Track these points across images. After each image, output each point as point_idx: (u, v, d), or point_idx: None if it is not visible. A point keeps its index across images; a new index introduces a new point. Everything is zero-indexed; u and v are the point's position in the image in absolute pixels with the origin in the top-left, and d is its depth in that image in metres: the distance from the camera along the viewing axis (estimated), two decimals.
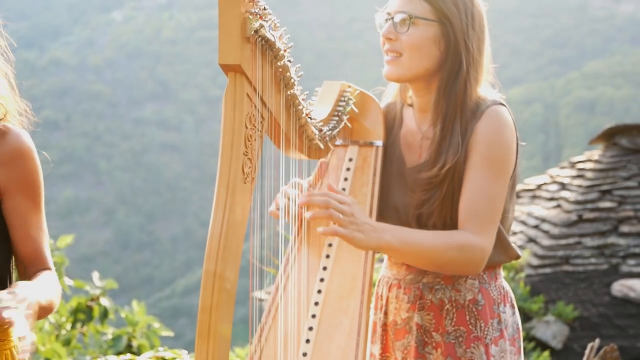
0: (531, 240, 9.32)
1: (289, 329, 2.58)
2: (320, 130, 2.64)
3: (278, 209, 2.71)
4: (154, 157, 61.80)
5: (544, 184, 10.29)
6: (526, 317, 8.18)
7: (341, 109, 2.77)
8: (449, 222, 2.70)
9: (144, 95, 68.50)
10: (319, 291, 2.70)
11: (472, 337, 2.75)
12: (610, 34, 68.83)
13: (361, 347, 2.58)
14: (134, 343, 5.65)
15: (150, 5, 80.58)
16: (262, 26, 2.24)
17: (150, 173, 60.09)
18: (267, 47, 2.31)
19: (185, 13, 75.14)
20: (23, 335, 2.02)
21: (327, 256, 2.76)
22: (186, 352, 3.99)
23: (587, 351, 4.72)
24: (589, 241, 8.93)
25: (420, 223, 2.74)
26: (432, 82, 2.74)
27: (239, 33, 2.21)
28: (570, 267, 8.78)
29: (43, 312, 2.28)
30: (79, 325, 5.65)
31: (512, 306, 2.86)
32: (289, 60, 2.40)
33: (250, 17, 2.22)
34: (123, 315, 5.81)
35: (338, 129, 2.74)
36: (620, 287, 8.42)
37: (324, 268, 2.74)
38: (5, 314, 2.03)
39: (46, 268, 2.46)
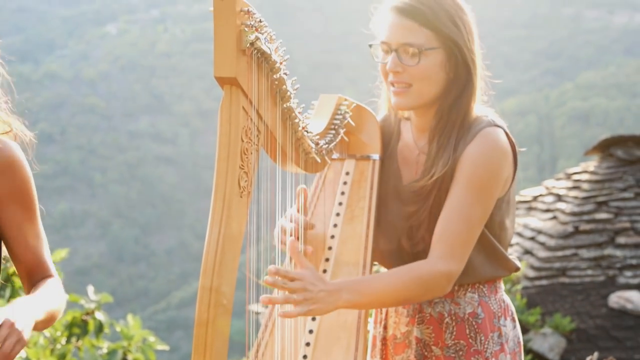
0: (527, 252, 9.30)
1: (286, 345, 2.56)
2: (317, 144, 2.62)
3: (282, 242, 2.71)
4: (148, 170, 61.75)
5: (540, 195, 10.27)
6: (523, 329, 8.15)
7: (338, 122, 2.75)
8: None
9: (138, 108, 68.47)
10: None
11: (472, 350, 2.73)
12: (604, 45, 68.99)
13: None
14: (130, 357, 5.63)
15: (144, 19, 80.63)
16: (257, 38, 2.23)
17: (145, 186, 60.03)
18: (263, 60, 2.29)
19: (180, 26, 75.20)
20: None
21: (324, 271, 2.74)
22: None
23: None
24: (585, 253, 8.92)
25: (411, 236, 2.72)
26: (434, 103, 2.72)
27: (234, 45, 2.19)
28: (567, 278, 8.76)
29: (44, 324, 2.27)
30: (74, 339, 5.62)
31: (513, 320, 2.83)
32: (285, 73, 2.38)
33: (246, 29, 2.21)
34: (118, 329, 5.78)
35: (335, 143, 2.72)
36: (617, 299, 8.41)
37: None
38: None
39: (48, 275, 2.45)
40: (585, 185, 9.62)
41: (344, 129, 2.78)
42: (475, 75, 2.69)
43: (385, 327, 2.85)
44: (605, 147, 9.93)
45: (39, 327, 2.25)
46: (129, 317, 5.90)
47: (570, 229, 9.17)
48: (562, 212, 9.46)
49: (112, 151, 63.20)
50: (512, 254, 9.32)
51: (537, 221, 9.65)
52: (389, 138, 2.89)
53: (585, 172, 9.93)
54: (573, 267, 8.84)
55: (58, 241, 49.25)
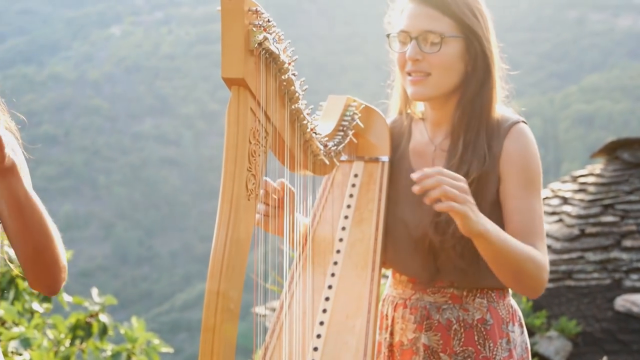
0: None
1: (293, 349, 2.53)
2: (326, 146, 2.58)
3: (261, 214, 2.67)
4: (152, 172, 61.76)
5: (546, 198, 10.24)
6: (529, 332, 8.12)
7: (346, 123, 2.71)
8: None
9: (142, 110, 68.50)
10: (324, 310, 2.64)
11: (481, 357, 2.69)
12: (609, 48, 68.92)
13: None
14: (134, 359, 5.61)
15: (148, 20, 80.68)
16: (266, 39, 2.19)
17: (149, 187, 60.03)
18: (271, 60, 2.26)
19: (184, 28, 75.22)
20: None
21: (333, 274, 2.70)
22: None
23: None
24: (591, 256, 8.88)
25: (439, 231, 2.67)
26: (452, 95, 2.70)
27: (242, 46, 2.16)
28: (572, 282, 8.73)
29: (26, 199, 2.20)
30: (77, 341, 5.59)
31: (521, 325, 2.80)
32: (294, 74, 2.34)
33: (254, 29, 2.17)
34: (122, 331, 5.77)
35: (343, 144, 2.69)
36: (623, 302, 8.37)
37: (329, 287, 2.68)
38: None
39: None
40: (591, 188, 9.59)
41: (353, 131, 2.74)
42: (493, 67, 2.68)
43: (391, 334, 2.81)
44: (611, 150, 9.90)
45: (20, 193, 2.18)
46: (133, 320, 5.88)
47: (576, 231, 9.13)
48: (568, 215, 9.43)
49: (116, 153, 63.23)
50: None
51: None
52: (399, 140, 2.86)
53: (592, 174, 9.90)
54: (579, 270, 8.80)
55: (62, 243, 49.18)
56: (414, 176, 2.36)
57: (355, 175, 2.85)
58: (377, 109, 2.86)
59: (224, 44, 2.17)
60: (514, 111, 2.76)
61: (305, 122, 2.44)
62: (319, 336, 2.58)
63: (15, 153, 2.22)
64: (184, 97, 68.16)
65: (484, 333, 2.70)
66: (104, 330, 5.62)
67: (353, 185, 2.83)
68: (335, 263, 2.72)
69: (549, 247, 9.14)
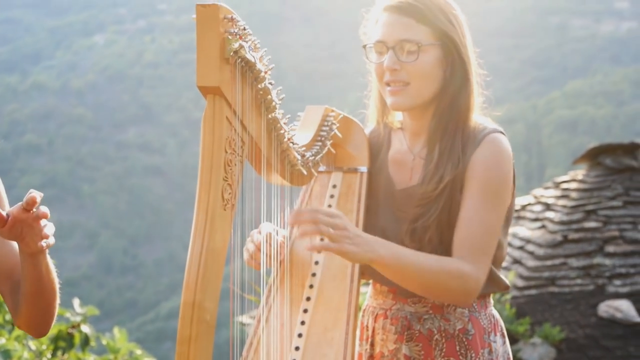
0: (516, 261, 9.26)
1: None
2: (303, 156, 2.55)
3: (250, 256, 2.64)
4: (137, 181, 61.65)
5: (529, 204, 10.24)
6: (512, 339, 8.11)
7: (324, 134, 2.68)
8: (446, 236, 2.61)
9: (126, 119, 68.40)
10: (302, 322, 2.61)
11: None
12: (591, 54, 69.24)
13: None
14: None
15: (132, 29, 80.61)
16: (241, 47, 2.17)
17: (134, 196, 59.92)
18: (247, 69, 2.23)
19: (167, 36, 75.18)
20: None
21: (311, 286, 2.67)
22: None
23: None
24: (574, 262, 8.87)
25: (415, 238, 2.64)
26: (430, 104, 2.68)
27: (217, 54, 2.13)
28: (556, 288, 8.72)
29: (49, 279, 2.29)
30: (59, 353, 5.56)
31: (503, 335, 2.77)
32: (270, 83, 2.32)
33: (230, 37, 2.15)
34: (105, 342, 5.74)
35: (321, 155, 2.66)
36: (606, 308, 8.37)
37: (308, 299, 2.65)
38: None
39: None
40: (573, 194, 9.59)
41: (331, 141, 2.72)
42: (471, 72, 2.66)
43: (372, 345, 2.78)
44: (593, 156, 9.90)
45: (44, 269, 2.30)
46: (115, 330, 5.86)
47: (559, 238, 9.13)
48: (551, 221, 9.42)
49: (100, 162, 63.10)
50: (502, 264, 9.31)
51: (525, 230, 9.61)
52: (378, 150, 2.84)
53: (574, 180, 9.90)
54: (562, 276, 8.79)
55: None
56: (289, 219, 2.32)
57: (334, 186, 2.82)
58: (355, 119, 2.84)
59: (199, 52, 2.14)
60: (492, 121, 2.73)
61: (282, 131, 2.41)
62: (297, 348, 2.55)
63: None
64: (168, 105, 68.11)
65: (466, 343, 2.67)
66: (85, 341, 5.59)
67: (331, 196, 2.80)
68: (314, 275, 2.69)
69: (532, 253, 9.13)
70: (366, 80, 2.83)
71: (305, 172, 2.59)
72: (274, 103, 2.34)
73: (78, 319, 5.62)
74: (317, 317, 2.62)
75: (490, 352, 2.69)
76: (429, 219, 2.62)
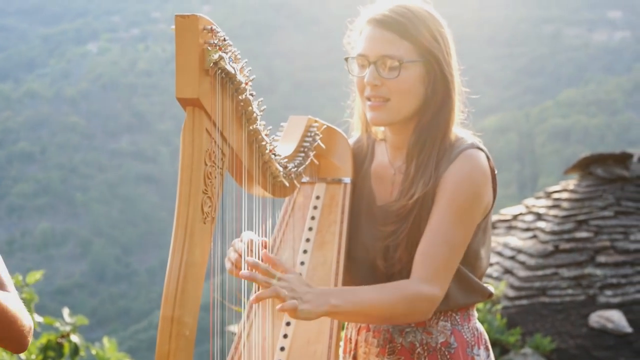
0: (507, 271, 9.24)
1: None
2: (285, 167, 2.53)
3: (232, 264, 2.61)
4: (130, 189, 61.57)
5: (520, 214, 10.22)
6: (503, 349, 8.09)
7: (307, 144, 2.66)
8: (415, 253, 2.57)
9: (119, 127, 68.35)
10: (285, 336, 2.58)
11: None
12: (584, 63, 69.38)
13: None
14: None
15: (125, 37, 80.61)
16: (221, 58, 2.15)
17: (127, 204, 59.83)
18: (228, 80, 2.21)
19: (160, 45, 75.16)
20: None
21: None
22: None
23: None
24: (565, 272, 8.85)
25: (387, 257, 2.62)
26: (411, 119, 2.64)
27: (197, 65, 2.11)
28: (547, 298, 8.70)
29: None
30: None
31: (487, 348, 2.74)
32: (252, 94, 2.30)
33: (209, 48, 2.13)
34: (94, 352, 5.71)
35: (304, 166, 2.64)
36: (597, 318, 8.35)
37: None
38: None
39: (5, 291, 2.33)
40: (565, 204, 9.57)
41: (314, 152, 2.69)
42: (453, 91, 2.61)
43: (354, 358, 2.75)
44: (584, 166, 9.89)
45: None
46: (105, 340, 5.83)
47: (550, 248, 9.11)
48: (542, 231, 9.40)
49: (93, 170, 63.02)
50: (492, 273, 9.28)
51: (517, 240, 9.59)
52: (362, 160, 2.81)
53: (565, 190, 9.88)
54: (553, 286, 8.77)
55: (38, 260, 49.00)
56: (242, 274, 2.28)
57: (317, 197, 2.80)
58: (339, 129, 2.82)
59: (178, 63, 2.13)
60: (472, 134, 2.70)
61: (263, 143, 2.39)
62: None
63: None
64: (161, 113, 68.07)
65: (448, 356, 2.64)
66: (75, 350, 5.57)
67: (315, 208, 2.78)
68: None
69: (523, 263, 9.11)
70: (351, 90, 2.80)
71: (287, 184, 2.57)
72: (255, 114, 2.32)
73: (67, 328, 5.60)
74: (299, 330, 2.60)
75: None
76: (398, 236, 2.59)
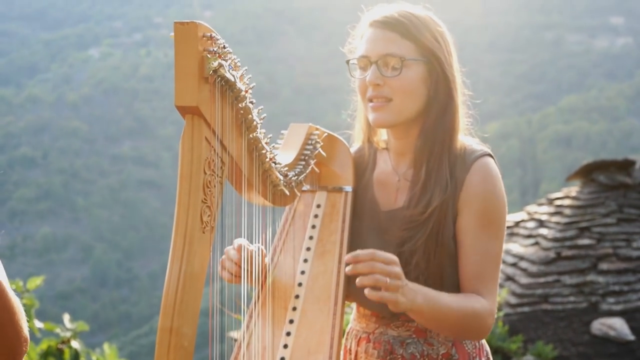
0: (509, 278, 9.22)
1: None
2: (286, 176, 2.50)
3: (232, 274, 2.58)
4: (131, 194, 61.59)
5: (522, 221, 10.20)
6: (505, 357, 8.07)
7: (308, 152, 2.63)
8: (433, 260, 2.56)
9: (121, 132, 68.40)
10: (285, 346, 2.55)
11: None
12: (586, 69, 69.42)
13: None
14: None
15: (127, 42, 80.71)
16: (221, 65, 2.12)
17: (128, 209, 59.85)
18: (227, 88, 2.18)
19: (162, 50, 75.22)
20: None
21: (294, 308, 2.61)
22: None
23: None
24: (567, 279, 8.83)
25: (401, 262, 2.59)
26: (414, 123, 2.63)
27: (196, 73, 2.08)
28: (549, 305, 8.67)
29: None
30: None
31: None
32: (251, 102, 2.27)
33: (209, 56, 2.10)
34: (94, 357, 5.71)
35: (305, 174, 2.61)
36: (600, 326, 8.32)
37: (291, 321, 2.59)
38: None
39: None
40: (567, 211, 9.55)
41: (315, 160, 2.66)
42: (455, 92, 2.60)
43: None
44: (587, 172, 9.87)
45: None
46: (105, 346, 5.82)
47: (552, 255, 9.09)
48: (544, 237, 9.38)
49: (95, 175, 63.06)
50: None
51: (519, 247, 9.56)
52: (363, 169, 2.79)
53: (567, 197, 9.86)
54: (555, 293, 8.75)
55: (40, 265, 49.03)
56: (347, 259, 2.28)
57: (318, 206, 2.77)
58: (340, 137, 2.79)
59: (177, 70, 2.10)
60: (479, 142, 2.68)
61: (263, 151, 2.36)
62: None
63: None
64: (163, 118, 68.12)
65: None
66: (75, 356, 5.57)
67: (315, 216, 2.75)
68: (297, 296, 2.64)
69: (525, 270, 9.09)
70: (352, 99, 2.78)
71: (287, 193, 2.54)
72: (255, 122, 2.30)
73: (68, 334, 5.59)
74: (300, 339, 2.57)
75: None
76: (415, 243, 2.57)
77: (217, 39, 2.12)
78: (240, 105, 2.23)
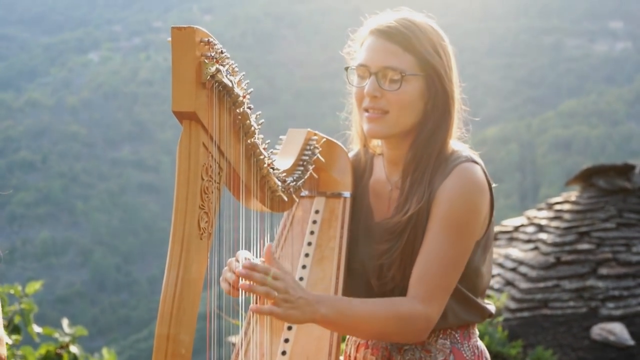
0: (509, 283, 9.20)
1: None
2: (284, 181, 2.48)
3: (230, 285, 2.56)
4: (131, 198, 61.57)
5: (521, 225, 10.17)
6: None
7: (307, 158, 2.61)
8: (409, 272, 2.50)
9: (120, 136, 68.40)
10: (284, 353, 2.53)
11: None
12: (585, 73, 69.44)
13: None
14: None
15: (126, 46, 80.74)
16: (218, 71, 2.11)
17: (127, 214, 59.82)
18: (225, 93, 2.17)
19: (162, 54, 75.22)
20: None
21: None
22: None
23: None
24: (567, 284, 8.81)
25: (381, 275, 2.57)
26: (408, 135, 2.59)
27: (193, 78, 2.08)
28: (548, 310, 8.65)
29: None
30: None
31: None
32: (249, 107, 2.25)
33: (206, 61, 2.09)
34: None
35: (303, 180, 2.59)
36: (599, 331, 8.30)
37: (289, 328, 2.58)
38: None
39: None
40: (566, 216, 9.53)
41: (313, 165, 2.65)
42: (453, 107, 2.56)
43: None
44: (586, 177, 9.85)
45: None
46: (104, 351, 5.81)
47: (552, 259, 9.06)
48: (544, 242, 9.36)
49: (94, 179, 63.04)
50: (493, 285, 9.24)
51: (518, 252, 9.54)
52: (360, 174, 2.76)
53: (567, 202, 9.84)
54: (555, 298, 8.73)
55: (39, 269, 49.00)
56: (241, 272, 2.24)
57: (317, 212, 2.75)
58: (339, 142, 2.77)
59: (174, 76, 2.09)
60: (469, 147, 2.64)
61: (261, 157, 2.35)
62: None
63: None
64: (162, 122, 68.10)
65: None
66: None
67: (314, 222, 2.73)
68: None
69: (524, 275, 9.07)
70: (348, 102, 2.75)
71: (286, 198, 2.52)
72: (253, 128, 2.28)
73: (67, 339, 5.57)
74: (298, 346, 2.55)
75: None
76: (392, 255, 2.54)
77: (215, 44, 2.11)
78: (238, 110, 2.22)
